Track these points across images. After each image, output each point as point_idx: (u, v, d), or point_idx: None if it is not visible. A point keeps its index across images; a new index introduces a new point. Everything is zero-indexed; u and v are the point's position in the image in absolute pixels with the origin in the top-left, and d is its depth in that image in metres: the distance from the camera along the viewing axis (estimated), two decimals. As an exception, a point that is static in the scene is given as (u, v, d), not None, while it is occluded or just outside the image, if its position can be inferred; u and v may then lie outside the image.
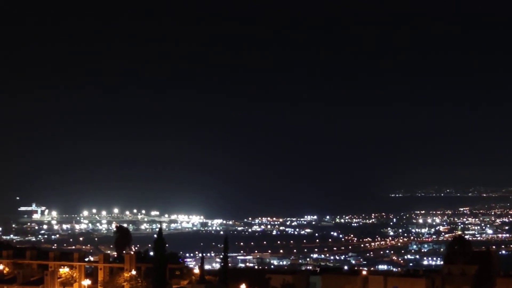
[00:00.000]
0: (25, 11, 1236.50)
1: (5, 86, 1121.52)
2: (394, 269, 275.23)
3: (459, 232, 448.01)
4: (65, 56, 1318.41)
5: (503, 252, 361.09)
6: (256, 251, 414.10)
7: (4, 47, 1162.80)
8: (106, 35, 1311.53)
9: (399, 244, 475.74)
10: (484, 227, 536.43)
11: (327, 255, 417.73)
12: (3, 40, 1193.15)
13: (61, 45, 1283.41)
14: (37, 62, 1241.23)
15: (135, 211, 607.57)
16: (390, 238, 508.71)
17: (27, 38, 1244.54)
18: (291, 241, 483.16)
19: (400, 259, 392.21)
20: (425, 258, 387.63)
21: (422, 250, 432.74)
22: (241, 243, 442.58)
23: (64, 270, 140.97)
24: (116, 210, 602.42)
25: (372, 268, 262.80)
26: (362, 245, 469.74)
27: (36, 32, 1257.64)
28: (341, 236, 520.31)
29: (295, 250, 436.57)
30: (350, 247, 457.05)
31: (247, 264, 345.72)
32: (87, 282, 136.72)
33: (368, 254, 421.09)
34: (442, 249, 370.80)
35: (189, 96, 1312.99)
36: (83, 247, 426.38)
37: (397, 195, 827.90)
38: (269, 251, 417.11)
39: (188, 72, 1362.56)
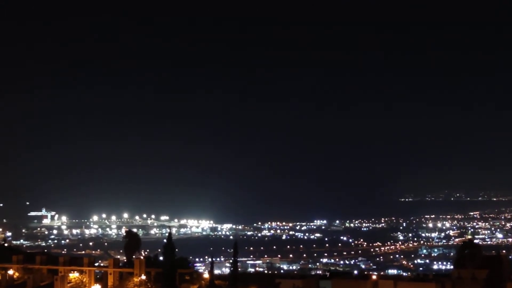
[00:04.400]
0: (26, 8, 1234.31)
1: (11, 86, 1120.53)
2: (404, 274, 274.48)
3: (469, 237, 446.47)
4: (71, 56, 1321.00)
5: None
6: (265, 256, 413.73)
7: (6, 49, 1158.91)
8: (106, 34, 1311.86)
9: (408, 248, 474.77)
10: (494, 232, 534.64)
11: (337, 259, 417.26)
12: (3, 40, 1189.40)
13: (61, 45, 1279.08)
14: (45, 62, 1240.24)
15: (144, 215, 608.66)
16: (400, 242, 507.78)
17: (26, 38, 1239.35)
18: (301, 246, 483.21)
19: (410, 264, 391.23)
20: (435, 262, 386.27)
21: (432, 255, 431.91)
22: (251, 248, 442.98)
23: (74, 275, 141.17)
24: (125, 215, 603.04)
25: (382, 273, 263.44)
26: (372, 250, 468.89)
27: (36, 31, 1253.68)
28: (351, 240, 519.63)
29: (304, 255, 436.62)
30: (360, 251, 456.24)
31: (257, 268, 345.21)
32: (97, 287, 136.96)
33: (378, 259, 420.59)
34: (452, 254, 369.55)
35: (198, 96, 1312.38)
36: (93, 252, 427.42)
37: (407, 200, 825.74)
38: (279, 256, 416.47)
39: (199, 70, 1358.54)
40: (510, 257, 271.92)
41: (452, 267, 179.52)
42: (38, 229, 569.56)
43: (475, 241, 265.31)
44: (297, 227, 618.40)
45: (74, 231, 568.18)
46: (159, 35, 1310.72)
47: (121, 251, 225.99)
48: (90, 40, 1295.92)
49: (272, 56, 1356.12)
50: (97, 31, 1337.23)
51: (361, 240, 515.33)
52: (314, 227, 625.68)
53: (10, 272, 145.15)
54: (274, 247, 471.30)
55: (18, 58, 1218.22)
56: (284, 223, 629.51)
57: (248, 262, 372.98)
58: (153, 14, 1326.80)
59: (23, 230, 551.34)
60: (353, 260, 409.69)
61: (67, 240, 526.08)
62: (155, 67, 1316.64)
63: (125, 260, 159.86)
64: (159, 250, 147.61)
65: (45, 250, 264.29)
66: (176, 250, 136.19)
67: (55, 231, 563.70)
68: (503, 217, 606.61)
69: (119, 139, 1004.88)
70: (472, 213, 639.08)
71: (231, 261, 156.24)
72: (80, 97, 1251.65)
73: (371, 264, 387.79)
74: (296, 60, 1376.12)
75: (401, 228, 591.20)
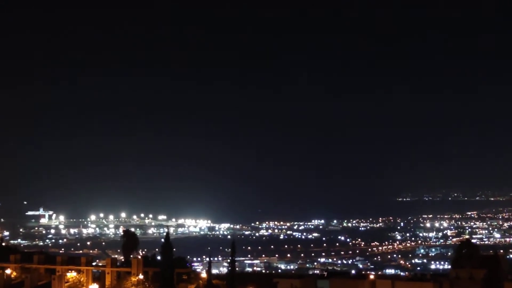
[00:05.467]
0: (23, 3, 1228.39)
1: (7, 85, 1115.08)
2: (402, 273, 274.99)
3: (467, 236, 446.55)
4: (70, 54, 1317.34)
5: (511, 256, 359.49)
6: (263, 256, 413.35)
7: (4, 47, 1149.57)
8: (106, 30, 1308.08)
9: (405, 248, 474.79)
10: (491, 231, 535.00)
11: (335, 259, 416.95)
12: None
13: (61, 41, 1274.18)
14: (45, 61, 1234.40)
15: (142, 215, 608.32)
16: (397, 242, 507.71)
17: (25, 33, 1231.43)
18: (299, 245, 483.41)
19: (407, 263, 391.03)
20: (432, 262, 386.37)
21: (430, 254, 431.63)
22: (249, 248, 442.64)
23: (71, 275, 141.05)
24: (123, 214, 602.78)
25: (379, 272, 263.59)
26: (369, 249, 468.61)
27: (34, 27, 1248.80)
28: (348, 240, 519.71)
29: (302, 254, 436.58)
30: (357, 251, 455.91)
31: (255, 268, 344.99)
32: (94, 286, 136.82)
33: (375, 258, 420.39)
34: (449, 253, 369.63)
35: (196, 94, 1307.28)
36: (91, 251, 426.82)
37: (404, 199, 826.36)
38: (277, 255, 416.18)
39: (197, 64, 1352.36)
40: (507, 257, 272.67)
41: (449, 267, 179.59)
42: (36, 228, 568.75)
43: (473, 241, 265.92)
44: (295, 227, 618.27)
45: (72, 231, 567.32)
46: (155, 29, 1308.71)
47: (118, 250, 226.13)
48: (83, 36, 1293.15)
49: (269, 47, 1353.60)
50: (101, 25, 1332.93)
51: (359, 239, 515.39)
52: (312, 226, 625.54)
53: (8, 271, 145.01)
54: (272, 246, 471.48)
55: (15, 56, 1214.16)
56: (281, 223, 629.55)
57: (246, 261, 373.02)
58: (154, 8, 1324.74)
59: (21, 230, 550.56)
60: (351, 260, 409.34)
61: (65, 240, 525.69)
62: (151, 64, 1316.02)
63: (123, 260, 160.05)
64: (157, 249, 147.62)
65: (43, 250, 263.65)
66: (174, 249, 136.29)
67: (52, 231, 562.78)
68: (500, 217, 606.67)
69: (116, 138, 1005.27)
70: (469, 213, 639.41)
71: (229, 260, 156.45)
72: (78, 95, 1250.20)
73: (368, 264, 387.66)
74: (295, 51, 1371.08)
75: (398, 227, 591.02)
